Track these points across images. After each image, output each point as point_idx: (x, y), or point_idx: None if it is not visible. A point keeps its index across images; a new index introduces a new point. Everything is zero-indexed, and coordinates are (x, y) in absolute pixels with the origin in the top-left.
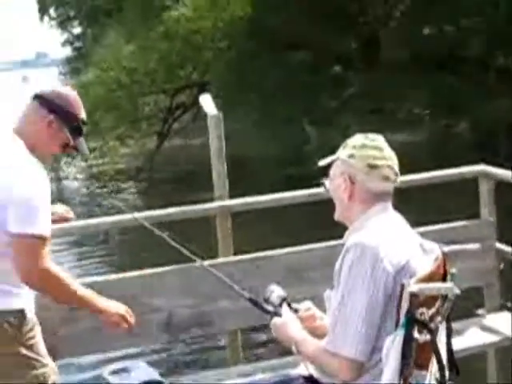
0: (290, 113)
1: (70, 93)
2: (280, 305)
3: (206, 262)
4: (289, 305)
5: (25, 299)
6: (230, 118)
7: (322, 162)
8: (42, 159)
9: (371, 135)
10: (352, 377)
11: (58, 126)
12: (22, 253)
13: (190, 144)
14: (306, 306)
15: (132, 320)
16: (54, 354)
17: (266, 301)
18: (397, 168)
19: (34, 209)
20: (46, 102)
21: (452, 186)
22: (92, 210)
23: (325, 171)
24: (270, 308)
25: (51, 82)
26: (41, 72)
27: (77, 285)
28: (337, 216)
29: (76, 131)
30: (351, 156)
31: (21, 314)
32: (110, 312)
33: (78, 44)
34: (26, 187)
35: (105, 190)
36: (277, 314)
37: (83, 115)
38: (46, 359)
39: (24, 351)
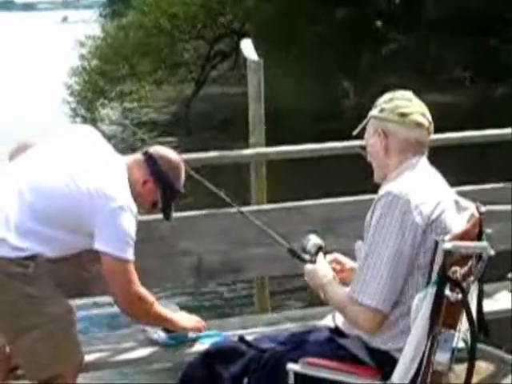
0: (329, 67)
1: (178, 164)
2: (316, 253)
3: (243, 209)
4: (325, 254)
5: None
6: (266, 69)
7: (356, 130)
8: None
9: (399, 91)
10: (372, 326)
11: (152, 187)
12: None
13: (226, 92)
14: (330, 258)
15: (203, 324)
16: (81, 292)
17: (303, 249)
18: (429, 116)
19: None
20: (152, 163)
21: (488, 149)
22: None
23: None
24: (306, 257)
25: (90, 23)
26: (81, 13)
27: (156, 307)
28: (376, 177)
29: (168, 198)
30: (381, 110)
31: (32, 259)
32: (184, 328)
33: None
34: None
35: (140, 133)
36: (312, 262)
37: (181, 187)
38: (58, 299)
39: (34, 292)
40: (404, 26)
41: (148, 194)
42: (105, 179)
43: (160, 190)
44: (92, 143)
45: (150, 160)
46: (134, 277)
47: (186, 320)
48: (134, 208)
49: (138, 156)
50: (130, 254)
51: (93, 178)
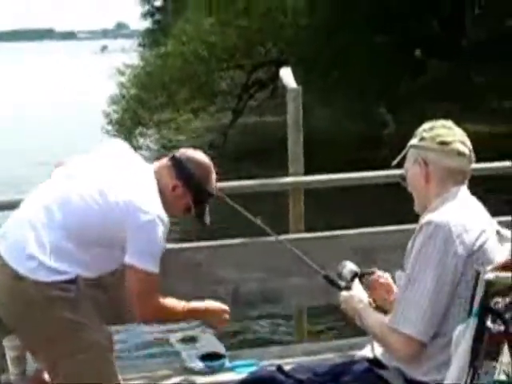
0: (367, 95)
1: (207, 164)
2: (352, 279)
3: (283, 237)
4: (360, 278)
5: (78, 269)
6: (304, 97)
7: (396, 160)
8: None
9: (439, 120)
10: (409, 355)
11: (182, 191)
12: (137, 287)
13: (264, 121)
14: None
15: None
16: (117, 320)
17: (339, 276)
18: (470, 145)
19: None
20: (179, 167)
21: None
22: None
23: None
24: (342, 283)
25: (129, 52)
26: (120, 42)
27: (178, 305)
28: (416, 207)
29: (199, 200)
30: (422, 139)
31: (72, 282)
32: (211, 315)
33: (158, 16)
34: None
35: None
36: (348, 288)
37: (212, 189)
38: (98, 325)
39: (75, 317)
40: (443, 53)
41: (179, 199)
42: (134, 191)
43: (190, 194)
44: (119, 155)
45: (177, 164)
46: (156, 289)
47: (212, 310)
48: (166, 218)
49: (165, 161)
50: (156, 268)
51: (122, 190)
